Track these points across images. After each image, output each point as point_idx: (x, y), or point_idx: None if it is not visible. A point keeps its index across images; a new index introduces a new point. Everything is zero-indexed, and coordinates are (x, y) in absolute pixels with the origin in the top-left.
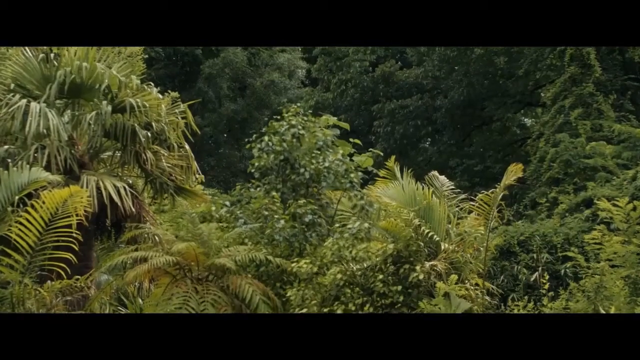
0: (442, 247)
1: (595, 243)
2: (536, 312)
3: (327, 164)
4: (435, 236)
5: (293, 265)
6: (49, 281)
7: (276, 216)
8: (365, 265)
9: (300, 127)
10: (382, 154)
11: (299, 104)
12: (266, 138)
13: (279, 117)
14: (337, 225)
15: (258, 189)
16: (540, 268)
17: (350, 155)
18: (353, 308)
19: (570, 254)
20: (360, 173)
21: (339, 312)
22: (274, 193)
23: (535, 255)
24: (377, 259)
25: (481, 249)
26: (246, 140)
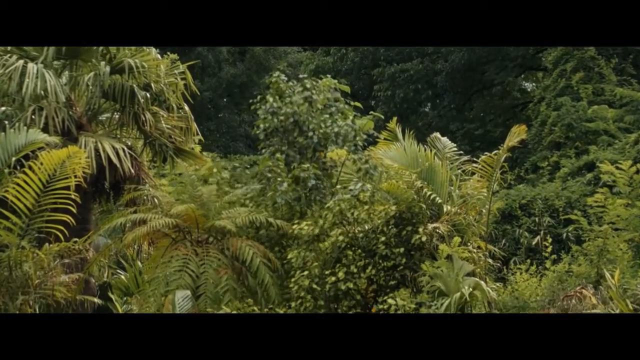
0: (445, 210)
1: (599, 206)
2: (539, 275)
3: (336, 129)
4: (437, 198)
5: (294, 227)
6: (47, 244)
7: (279, 179)
8: (367, 227)
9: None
10: (382, 116)
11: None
12: (270, 99)
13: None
14: (339, 186)
15: (263, 150)
16: (542, 232)
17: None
18: (355, 270)
19: (573, 216)
20: (364, 136)
21: (340, 274)
22: (278, 155)
23: (536, 219)
24: (379, 221)
25: (483, 211)
26: (250, 101)
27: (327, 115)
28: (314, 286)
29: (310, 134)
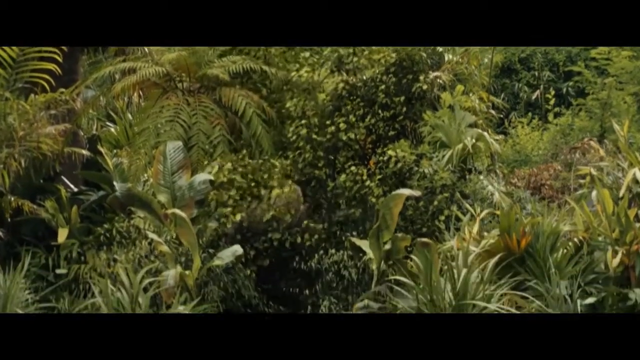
0: (446, 58)
1: (603, 58)
2: (541, 128)
3: None
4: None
5: (292, 74)
6: (32, 95)
7: None
8: (365, 77)
9: None
10: None
11: None
12: None
13: None
14: None
15: None
16: (541, 86)
17: None
18: (353, 119)
19: (576, 68)
20: None
21: (340, 123)
22: None
23: (536, 73)
24: (379, 70)
25: (486, 60)
26: None
27: None
28: (314, 136)
29: None
